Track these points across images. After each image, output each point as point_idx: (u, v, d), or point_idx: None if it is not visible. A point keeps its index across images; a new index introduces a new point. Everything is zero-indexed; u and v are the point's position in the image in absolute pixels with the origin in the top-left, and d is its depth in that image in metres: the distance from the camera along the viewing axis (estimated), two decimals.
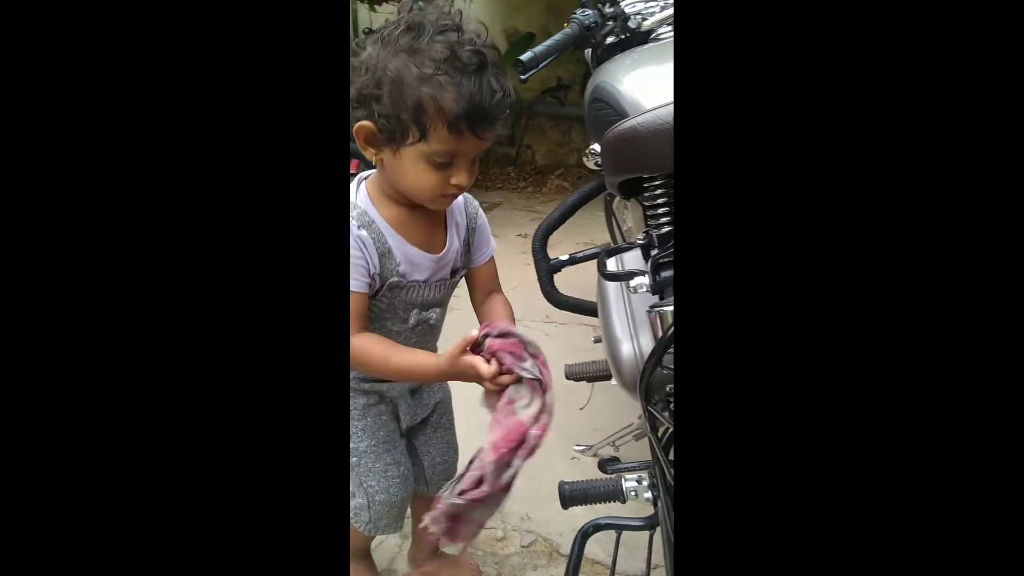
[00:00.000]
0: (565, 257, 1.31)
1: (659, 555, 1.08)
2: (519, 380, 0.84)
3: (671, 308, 0.93)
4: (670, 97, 0.94)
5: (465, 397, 1.09)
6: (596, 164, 1.18)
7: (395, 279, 0.94)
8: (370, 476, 1.08)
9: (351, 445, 1.07)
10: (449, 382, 1.17)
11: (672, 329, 0.85)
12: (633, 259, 1.17)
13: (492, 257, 1.06)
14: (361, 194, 0.93)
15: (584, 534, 1.10)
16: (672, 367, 0.91)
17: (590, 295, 1.40)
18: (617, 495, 1.14)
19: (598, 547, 1.32)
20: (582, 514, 1.15)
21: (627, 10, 1.27)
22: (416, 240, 0.94)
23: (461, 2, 4.63)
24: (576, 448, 1.69)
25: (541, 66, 1.20)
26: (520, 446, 0.82)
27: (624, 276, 1.06)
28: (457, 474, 0.85)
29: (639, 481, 1.14)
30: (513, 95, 0.83)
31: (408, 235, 0.93)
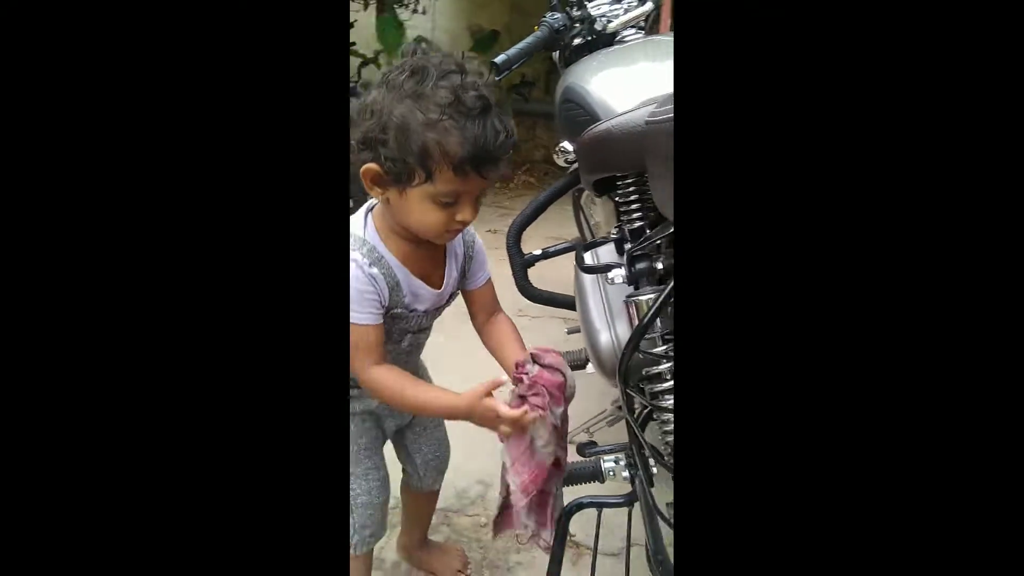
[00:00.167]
0: (538, 252, 1.34)
1: (637, 532, 1.14)
2: (540, 417, 0.85)
3: (646, 297, 0.99)
4: (637, 100, 1.00)
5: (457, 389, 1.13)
6: (566, 161, 1.23)
7: (399, 310, 0.97)
8: (351, 480, 1.11)
9: None
10: (430, 368, 1.22)
11: (648, 317, 0.91)
12: (607, 252, 1.22)
13: (489, 278, 1.08)
14: (370, 229, 0.95)
15: (567, 513, 1.16)
16: (647, 352, 0.98)
17: (562, 289, 1.44)
18: (597, 475, 1.21)
19: (576, 528, 1.38)
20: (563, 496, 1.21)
21: (593, 13, 1.33)
22: (420, 273, 0.97)
23: (427, 0, 4.63)
24: None
25: (514, 68, 1.26)
26: (548, 480, 0.90)
27: (601, 269, 1.11)
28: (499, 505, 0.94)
29: (616, 462, 1.21)
30: (515, 135, 0.86)
31: (413, 268, 0.96)
